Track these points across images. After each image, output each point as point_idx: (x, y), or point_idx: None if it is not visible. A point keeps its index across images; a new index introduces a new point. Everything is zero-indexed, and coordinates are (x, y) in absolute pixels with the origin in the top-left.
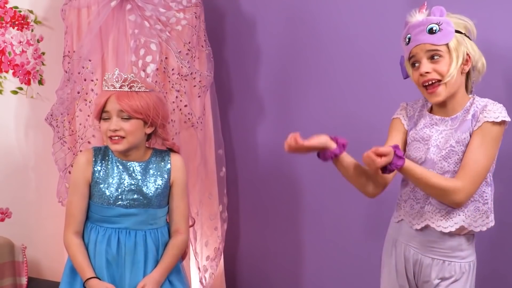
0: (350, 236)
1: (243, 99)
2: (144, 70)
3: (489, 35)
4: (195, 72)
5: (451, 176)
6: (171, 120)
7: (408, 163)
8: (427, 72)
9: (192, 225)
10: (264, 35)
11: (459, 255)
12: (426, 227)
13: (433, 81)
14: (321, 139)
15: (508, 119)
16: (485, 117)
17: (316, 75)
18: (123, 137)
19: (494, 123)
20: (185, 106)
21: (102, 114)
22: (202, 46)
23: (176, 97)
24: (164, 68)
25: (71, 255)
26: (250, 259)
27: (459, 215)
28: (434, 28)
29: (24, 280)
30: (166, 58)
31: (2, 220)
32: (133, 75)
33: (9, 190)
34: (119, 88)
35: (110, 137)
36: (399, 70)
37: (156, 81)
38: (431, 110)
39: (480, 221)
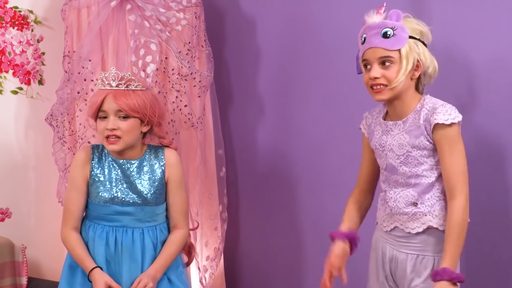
0: None
1: (243, 99)
2: (144, 70)
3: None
4: (195, 72)
5: (415, 181)
6: (171, 120)
7: (450, 264)
8: (376, 77)
9: (195, 228)
10: (264, 35)
11: (433, 249)
12: (395, 228)
13: (381, 85)
14: (340, 258)
15: (457, 119)
16: (435, 119)
17: (316, 75)
18: (119, 137)
19: (446, 126)
20: (185, 106)
21: (98, 113)
22: (202, 46)
23: (176, 97)
24: (164, 68)
25: (69, 249)
26: (250, 259)
27: (426, 215)
28: (388, 33)
29: (24, 280)
30: (166, 58)
31: (2, 220)
32: (129, 73)
33: (9, 190)
34: (116, 86)
35: (107, 137)
36: (363, 67)
37: (156, 81)
38: (385, 117)
39: None
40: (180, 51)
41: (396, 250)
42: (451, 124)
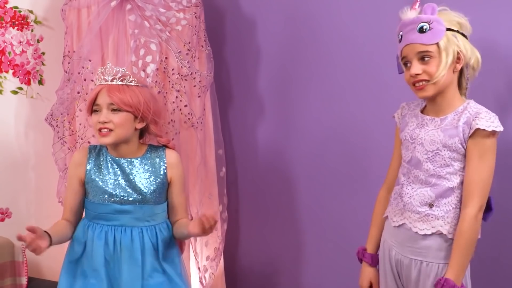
0: (350, 236)
1: (243, 99)
2: (144, 70)
3: (490, 34)
4: (195, 72)
5: (436, 181)
6: (171, 120)
7: (454, 274)
8: (417, 74)
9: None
10: (264, 35)
11: (437, 255)
12: (404, 225)
13: (423, 82)
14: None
15: (499, 129)
16: (477, 124)
17: (316, 74)
18: (111, 130)
19: (486, 133)
20: (185, 106)
21: (93, 107)
22: (202, 46)
23: (176, 97)
24: (164, 68)
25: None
26: (250, 259)
27: (438, 219)
28: (424, 27)
29: (24, 280)
30: (166, 58)
31: (2, 220)
32: (124, 68)
33: (9, 190)
34: (111, 81)
35: (100, 130)
36: (403, 65)
37: (156, 81)
38: (423, 110)
39: None
40: (180, 51)
41: (401, 255)
42: (490, 134)
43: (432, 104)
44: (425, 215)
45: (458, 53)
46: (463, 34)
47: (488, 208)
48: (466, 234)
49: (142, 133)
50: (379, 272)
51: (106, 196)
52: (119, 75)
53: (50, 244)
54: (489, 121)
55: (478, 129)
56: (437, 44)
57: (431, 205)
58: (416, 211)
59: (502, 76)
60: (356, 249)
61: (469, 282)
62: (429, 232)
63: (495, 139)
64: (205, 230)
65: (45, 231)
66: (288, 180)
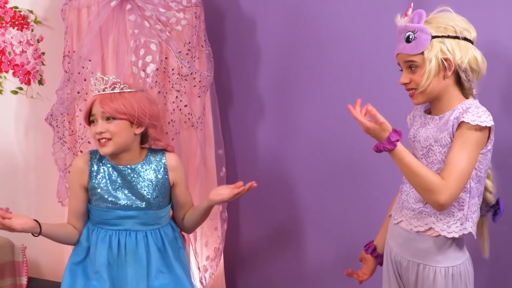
0: (351, 236)
1: (243, 99)
2: (144, 70)
3: (492, 35)
4: (195, 72)
5: None
6: (171, 120)
7: (402, 147)
8: (405, 83)
9: None
10: (264, 35)
11: (434, 259)
12: (401, 223)
13: (412, 90)
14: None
15: (485, 124)
16: (463, 117)
17: (316, 75)
18: (110, 139)
19: (470, 126)
20: (185, 106)
21: (89, 118)
22: (202, 46)
23: (176, 97)
24: (164, 68)
25: None
26: (250, 259)
27: (430, 216)
28: (410, 37)
29: (24, 280)
30: (166, 58)
31: None
32: (114, 76)
33: (9, 190)
34: (102, 91)
35: (99, 140)
36: (399, 70)
37: (156, 81)
38: (428, 110)
39: (454, 227)
40: (180, 51)
41: (400, 256)
42: (476, 128)
43: (432, 105)
44: (419, 212)
45: (445, 60)
46: (456, 37)
47: (496, 209)
48: (430, 174)
49: (143, 137)
50: (383, 272)
51: (109, 203)
52: (109, 84)
53: (40, 231)
54: (476, 115)
55: (463, 122)
56: (422, 53)
57: (425, 202)
58: (412, 208)
59: (503, 76)
60: (357, 248)
61: (472, 280)
62: (422, 229)
63: (481, 134)
64: (235, 194)
65: (34, 220)
66: (288, 180)
